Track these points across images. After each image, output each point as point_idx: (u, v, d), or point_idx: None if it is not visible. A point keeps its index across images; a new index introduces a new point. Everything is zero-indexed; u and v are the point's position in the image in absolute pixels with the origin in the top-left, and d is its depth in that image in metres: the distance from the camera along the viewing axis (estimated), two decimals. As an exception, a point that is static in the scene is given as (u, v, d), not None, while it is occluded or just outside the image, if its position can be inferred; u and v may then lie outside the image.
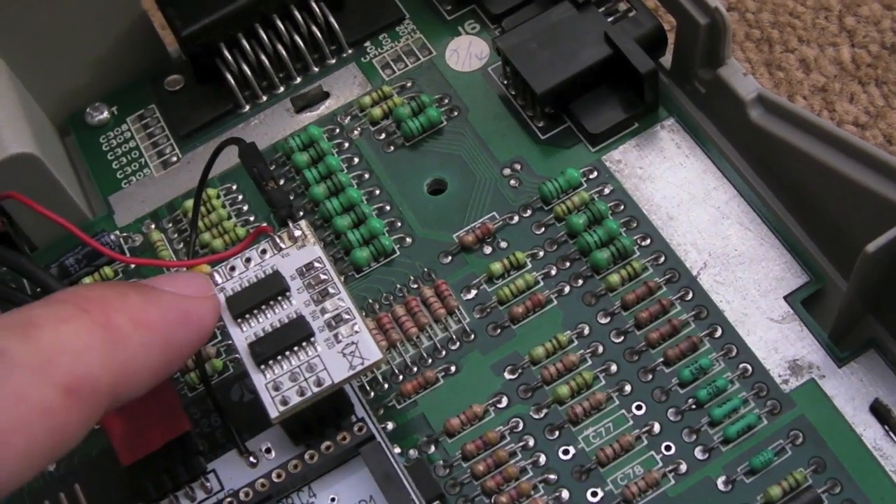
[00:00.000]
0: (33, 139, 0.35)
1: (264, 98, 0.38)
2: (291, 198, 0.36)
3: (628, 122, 0.36)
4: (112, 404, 0.25)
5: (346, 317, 0.29)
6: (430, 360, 0.33)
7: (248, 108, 0.38)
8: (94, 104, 0.39)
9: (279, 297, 0.30)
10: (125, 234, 0.37)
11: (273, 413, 0.28)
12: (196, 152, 0.38)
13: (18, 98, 0.36)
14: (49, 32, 0.37)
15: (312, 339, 0.29)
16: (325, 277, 0.30)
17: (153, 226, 0.37)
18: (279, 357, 0.29)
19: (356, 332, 0.29)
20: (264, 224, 0.35)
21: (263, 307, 0.30)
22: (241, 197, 0.37)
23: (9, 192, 0.32)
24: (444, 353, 0.33)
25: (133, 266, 0.36)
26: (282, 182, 0.36)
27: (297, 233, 0.31)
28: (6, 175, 0.34)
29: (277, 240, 0.31)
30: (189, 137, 0.38)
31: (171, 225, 0.37)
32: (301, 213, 0.35)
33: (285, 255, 0.30)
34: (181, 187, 0.37)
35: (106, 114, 0.39)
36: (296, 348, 0.29)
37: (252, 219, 0.36)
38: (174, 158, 0.38)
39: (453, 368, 0.33)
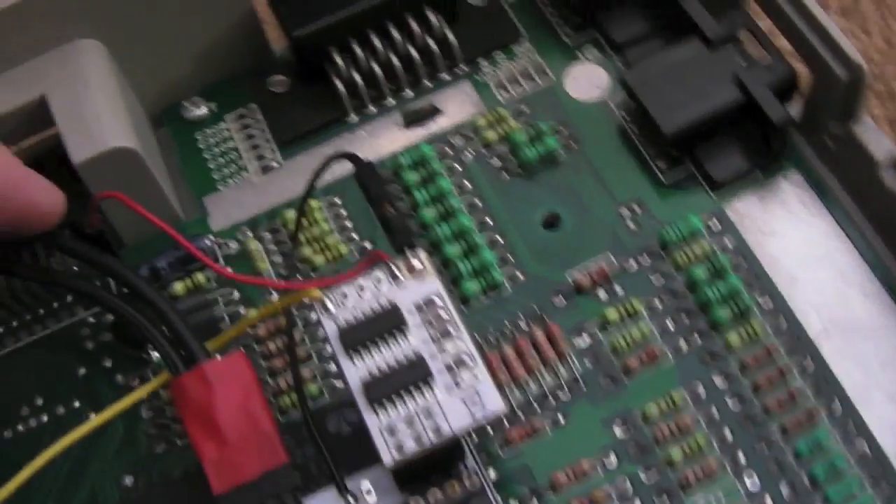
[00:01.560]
0: (134, 133, 0.34)
1: (373, 109, 0.37)
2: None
3: (752, 171, 0.34)
4: None
5: (468, 361, 0.28)
6: (537, 408, 0.31)
7: (354, 117, 0.37)
8: (191, 98, 0.38)
9: (395, 333, 0.28)
10: (220, 241, 0.35)
11: (388, 460, 0.27)
12: (297, 159, 0.37)
13: (118, 86, 0.35)
14: (154, 18, 0.36)
15: (431, 381, 0.28)
16: (446, 316, 0.29)
17: (250, 233, 0.35)
18: (395, 398, 0.28)
19: (477, 378, 0.28)
20: (375, 248, 0.33)
21: (378, 342, 0.28)
22: (344, 212, 0.35)
23: (113, 192, 0.30)
24: (552, 401, 0.32)
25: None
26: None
27: (417, 264, 0.29)
28: (101, 168, 0.33)
29: (394, 269, 0.29)
30: (291, 143, 0.37)
31: (268, 234, 0.35)
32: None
33: (402, 286, 0.29)
34: (282, 195, 0.36)
35: (204, 109, 0.38)
36: (413, 390, 0.28)
37: (355, 236, 0.35)
38: (274, 164, 0.36)
39: (561, 418, 0.31)
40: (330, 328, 0.29)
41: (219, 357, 0.29)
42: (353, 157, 0.31)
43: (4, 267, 0.31)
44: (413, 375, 0.28)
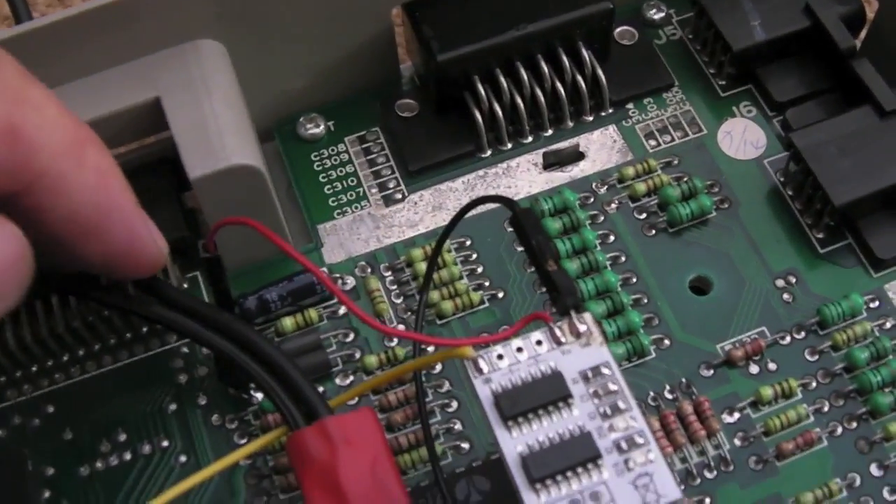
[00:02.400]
0: (258, 149, 0.31)
1: (509, 145, 0.34)
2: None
3: (917, 251, 0.32)
4: None
5: (640, 440, 0.25)
6: (682, 486, 0.29)
7: (489, 153, 0.34)
8: (309, 115, 0.35)
9: (559, 404, 0.26)
10: (335, 275, 0.32)
11: (551, 546, 0.24)
12: (423, 193, 0.34)
13: (240, 95, 0.32)
14: (286, 24, 0.33)
15: (599, 461, 0.25)
16: (615, 388, 0.26)
17: (369, 270, 0.32)
18: (558, 477, 0.25)
19: (651, 460, 0.25)
20: (505, 297, 0.31)
21: (539, 412, 0.25)
22: (475, 255, 0.32)
23: (243, 218, 0.27)
24: (698, 480, 0.29)
25: (342, 311, 0.31)
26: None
27: (583, 327, 0.26)
28: (219, 186, 0.30)
29: (557, 332, 0.26)
30: (419, 174, 0.34)
31: (389, 273, 0.32)
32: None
33: (566, 351, 0.26)
34: (405, 231, 0.33)
35: (322, 127, 0.35)
36: (579, 470, 0.25)
37: (487, 283, 0.32)
38: (398, 195, 0.34)
39: (707, 500, 0.29)
40: (484, 393, 0.26)
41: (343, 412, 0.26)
42: (509, 202, 0.28)
43: (83, 291, 0.28)
44: (579, 453, 0.25)
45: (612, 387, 0.26)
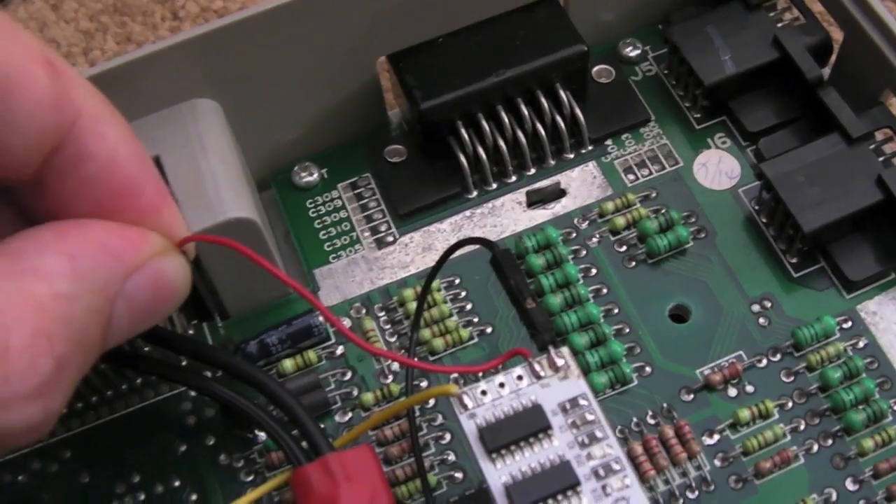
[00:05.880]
0: (252, 202, 0.33)
1: (494, 186, 0.37)
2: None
3: (888, 272, 0.34)
4: None
5: (616, 467, 0.28)
6: (665, 508, 0.31)
7: (475, 193, 0.37)
8: (303, 163, 0.38)
9: (540, 435, 0.28)
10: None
11: (535, 569, 0.27)
12: (414, 234, 0.37)
13: (235, 150, 0.34)
14: (276, 81, 0.36)
15: (578, 488, 0.28)
16: (592, 418, 0.28)
17: (364, 311, 0.35)
18: (541, 505, 0.27)
19: (627, 485, 0.28)
20: (494, 332, 0.33)
21: (521, 444, 0.28)
22: (463, 293, 0.35)
23: (233, 242, 0.29)
24: (680, 500, 0.32)
25: (339, 352, 0.34)
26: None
27: (560, 361, 0.29)
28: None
29: (537, 366, 0.29)
30: (408, 217, 0.37)
31: (383, 314, 0.35)
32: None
33: (545, 385, 0.29)
34: (397, 273, 0.36)
35: (316, 175, 0.38)
36: (560, 497, 0.27)
37: (475, 319, 0.35)
38: (390, 238, 0.36)
39: (689, 519, 0.31)
40: (469, 427, 0.28)
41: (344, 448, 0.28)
42: (488, 244, 0.31)
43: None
44: (559, 481, 0.28)
45: (590, 417, 0.28)
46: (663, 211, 0.36)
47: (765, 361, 0.34)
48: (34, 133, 0.23)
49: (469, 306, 0.35)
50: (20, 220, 0.26)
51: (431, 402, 0.34)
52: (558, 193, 0.37)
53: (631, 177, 0.37)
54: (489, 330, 0.35)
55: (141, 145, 0.26)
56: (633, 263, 0.36)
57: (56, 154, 0.24)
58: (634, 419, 0.33)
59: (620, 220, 0.36)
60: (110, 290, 0.24)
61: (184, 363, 0.33)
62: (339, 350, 0.35)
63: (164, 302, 0.26)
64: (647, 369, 0.34)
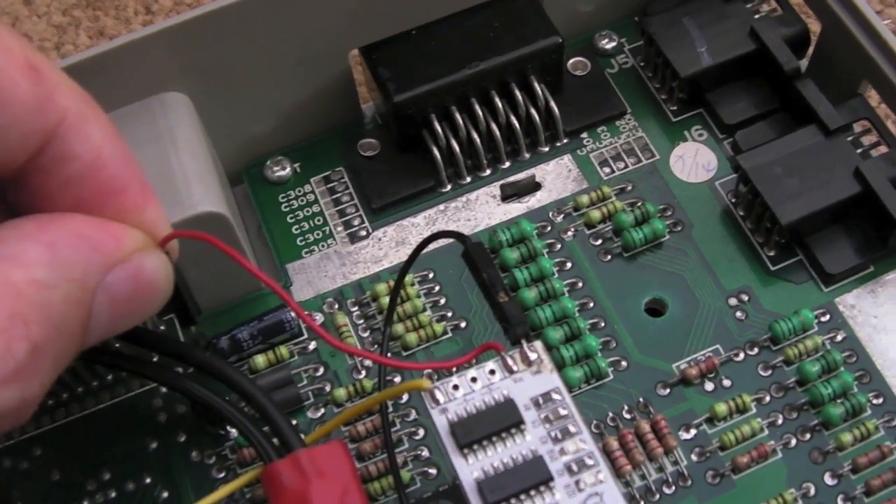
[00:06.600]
0: (223, 196, 0.33)
1: (468, 179, 0.37)
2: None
3: (866, 265, 0.34)
4: None
5: (589, 462, 0.28)
6: (641, 503, 0.31)
7: (449, 187, 0.37)
8: (275, 157, 0.37)
9: (512, 430, 0.28)
10: (305, 313, 0.34)
11: (507, 567, 0.26)
12: (387, 229, 0.36)
13: (205, 144, 0.34)
14: (247, 73, 0.36)
15: (551, 484, 0.27)
16: (565, 412, 0.28)
17: (337, 306, 0.35)
18: (513, 501, 0.27)
19: (601, 480, 0.28)
20: (468, 326, 0.33)
21: (494, 439, 0.28)
22: (437, 288, 0.35)
23: (203, 234, 0.29)
24: (657, 496, 0.32)
25: (312, 347, 0.34)
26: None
27: (533, 355, 0.29)
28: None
29: (509, 361, 0.28)
30: (382, 211, 0.37)
31: (356, 308, 0.35)
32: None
33: (518, 379, 0.29)
34: (370, 267, 0.36)
35: (288, 170, 0.38)
36: (532, 492, 0.27)
37: (449, 314, 0.34)
38: (363, 232, 0.36)
39: (666, 515, 0.31)
40: (440, 422, 0.28)
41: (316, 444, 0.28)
42: (461, 237, 0.30)
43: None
44: (532, 477, 0.27)
45: (563, 411, 0.28)
46: (639, 204, 0.36)
47: (742, 355, 0.34)
48: (17, 137, 0.23)
49: (443, 301, 0.35)
50: (3, 214, 0.26)
51: (405, 397, 0.34)
52: (533, 187, 0.37)
53: (606, 170, 0.37)
54: (463, 325, 0.35)
55: (125, 144, 0.26)
56: (609, 257, 0.36)
57: (40, 153, 0.24)
58: (610, 414, 0.33)
59: (596, 214, 0.36)
60: (89, 281, 0.24)
61: (155, 359, 0.33)
62: (312, 345, 0.34)
63: (146, 298, 0.26)
64: (623, 364, 0.34)
